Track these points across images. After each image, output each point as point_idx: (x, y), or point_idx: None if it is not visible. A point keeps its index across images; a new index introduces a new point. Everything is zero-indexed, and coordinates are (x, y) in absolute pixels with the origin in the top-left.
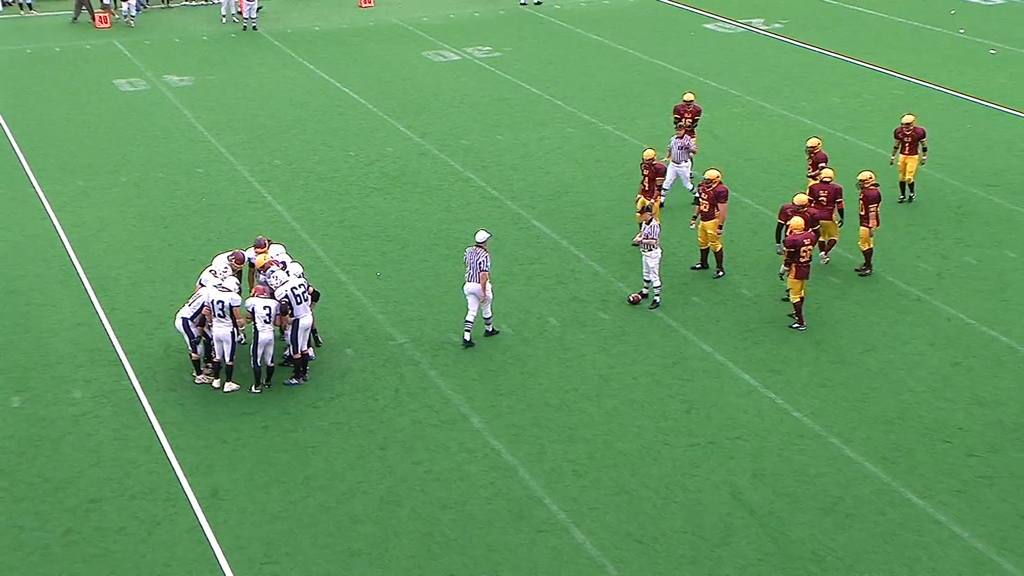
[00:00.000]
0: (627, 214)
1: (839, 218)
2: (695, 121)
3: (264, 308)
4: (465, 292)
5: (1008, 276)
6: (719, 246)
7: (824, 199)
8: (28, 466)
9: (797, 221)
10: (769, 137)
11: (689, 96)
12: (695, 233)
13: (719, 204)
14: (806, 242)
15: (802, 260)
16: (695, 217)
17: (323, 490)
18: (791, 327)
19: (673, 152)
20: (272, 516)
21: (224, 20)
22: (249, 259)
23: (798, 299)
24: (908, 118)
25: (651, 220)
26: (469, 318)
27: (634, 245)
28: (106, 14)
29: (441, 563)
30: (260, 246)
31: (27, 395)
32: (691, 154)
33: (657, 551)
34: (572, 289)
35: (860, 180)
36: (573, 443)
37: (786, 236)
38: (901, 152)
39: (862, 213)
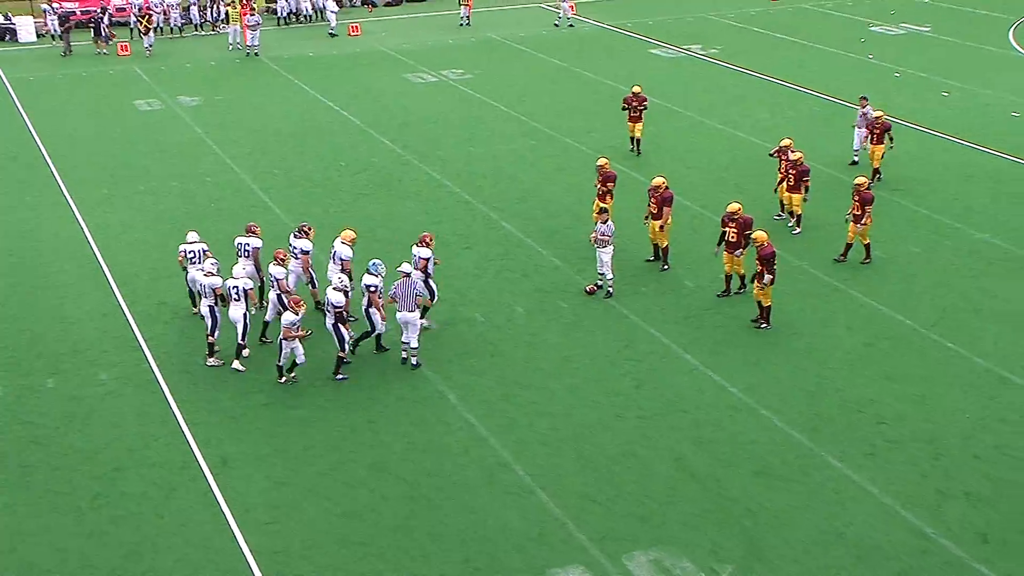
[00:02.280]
0: (585, 215)
1: (805, 195)
2: (643, 109)
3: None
4: (398, 320)
5: (912, 268)
6: (665, 243)
7: (793, 177)
8: (61, 439)
9: (760, 234)
10: (708, 148)
11: (636, 88)
12: (645, 231)
13: (664, 207)
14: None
15: (775, 268)
16: (646, 217)
17: (320, 459)
18: (760, 327)
19: None
20: (275, 482)
21: (230, 48)
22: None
23: (768, 302)
24: (876, 113)
25: (607, 220)
26: (405, 339)
27: (592, 243)
28: (128, 43)
29: (423, 521)
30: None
31: (60, 377)
32: None
33: (611, 510)
34: (536, 281)
35: (856, 184)
36: (538, 416)
37: (759, 251)
38: (870, 143)
39: (857, 213)
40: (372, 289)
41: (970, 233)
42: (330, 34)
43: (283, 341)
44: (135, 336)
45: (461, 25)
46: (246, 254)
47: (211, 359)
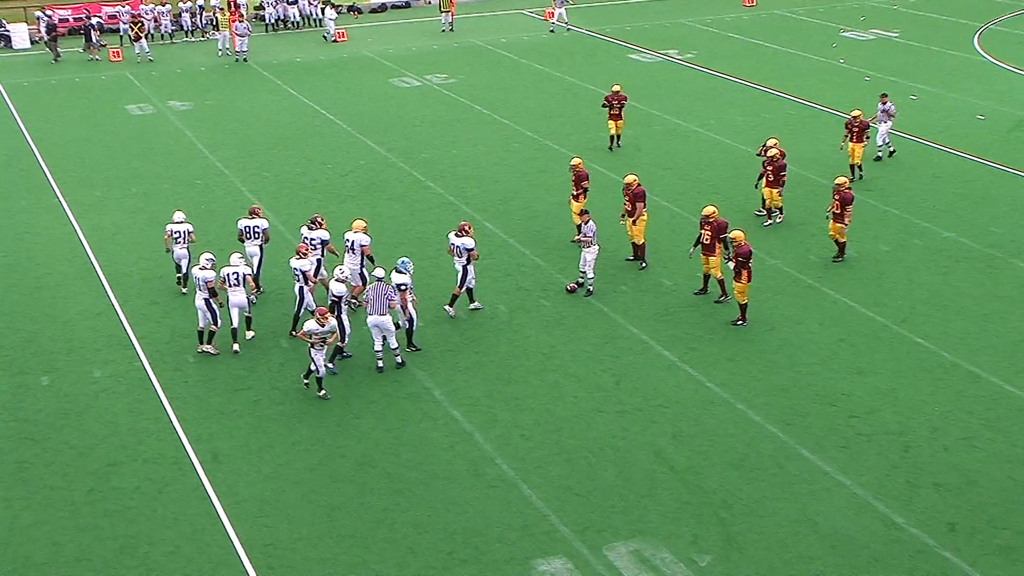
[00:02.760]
0: (565, 215)
1: (780, 188)
2: (622, 106)
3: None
4: (369, 324)
5: (882, 266)
6: (641, 240)
7: (771, 172)
8: (56, 435)
9: (738, 234)
10: (684, 150)
11: (616, 87)
12: (623, 230)
13: (638, 203)
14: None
15: (750, 267)
16: (623, 215)
17: (308, 454)
18: (735, 323)
19: None
20: (265, 476)
21: (219, 54)
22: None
23: (745, 300)
24: (856, 112)
25: (588, 221)
26: (377, 348)
27: (573, 242)
28: (120, 49)
29: (409, 515)
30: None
31: (54, 375)
32: None
33: (592, 502)
34: (518, 280)
35: (837, 184)
36: (520, 411)
37: (734, 249)
38: (850, 140)
39: (837, 212)
40: (403, 288)
41: (938, 232)
42: (333, 41)
43: (310, 349)
44: (127, 335)
45: (444, 31)
46: (253, 235)
47: (202, 347)
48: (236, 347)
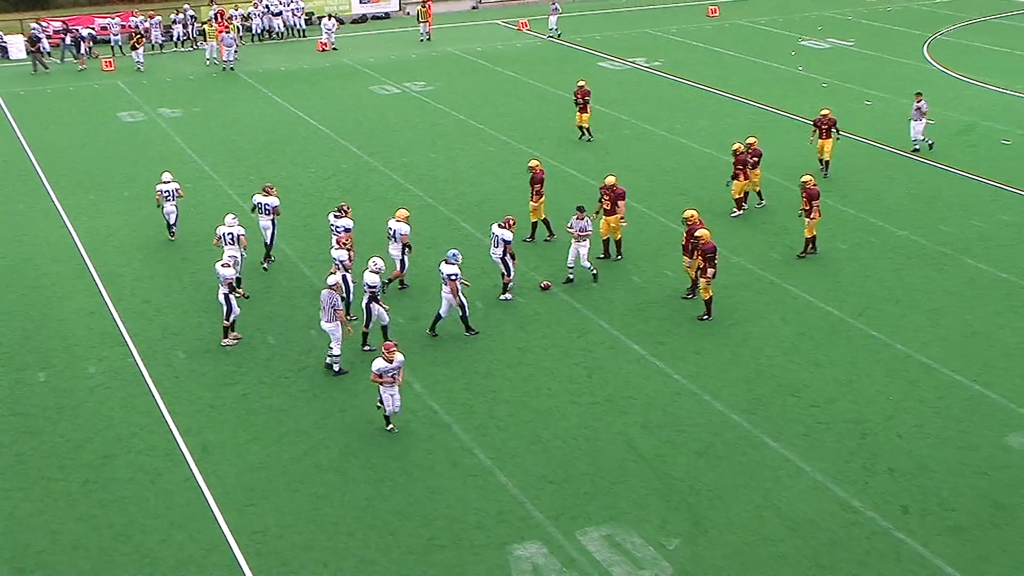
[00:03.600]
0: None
1: (743, 179)
2: (587, 100)
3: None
4: (323, 329)
5: (840, 263)
6: (619, 235)
7: (733, 166)
8: (53, 428)
9: (704, 232)
10: (651, 153)
11: (582, 82)
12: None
13: (619, 202)
14: (716, 250)
15: (716, 264)
16: (597, 212)
17: (293, 445)
18: (700, 318)
19: None
20: (252, 467)
21: (207, 63)
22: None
23: (707, 296)
24: (825, 111)
25: (583, 217)
26: (333, 348)
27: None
28: (112, 59)
29: (390, 503)
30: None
31: (51, 371)
32: None
33: (565, 490)
34: (494, 278)
35: (803, 182)
36: (496, 403)
37: (701, 247)
38: (819, 137)
39: (806, 208)
40: (453, 277)
41: (892, 230)
42: (334, 49)
43: (380, 387)
44: (121, 332)
45: (422, 40)
46: (266, 212)
47: (225, 340)
48: (242, 292)
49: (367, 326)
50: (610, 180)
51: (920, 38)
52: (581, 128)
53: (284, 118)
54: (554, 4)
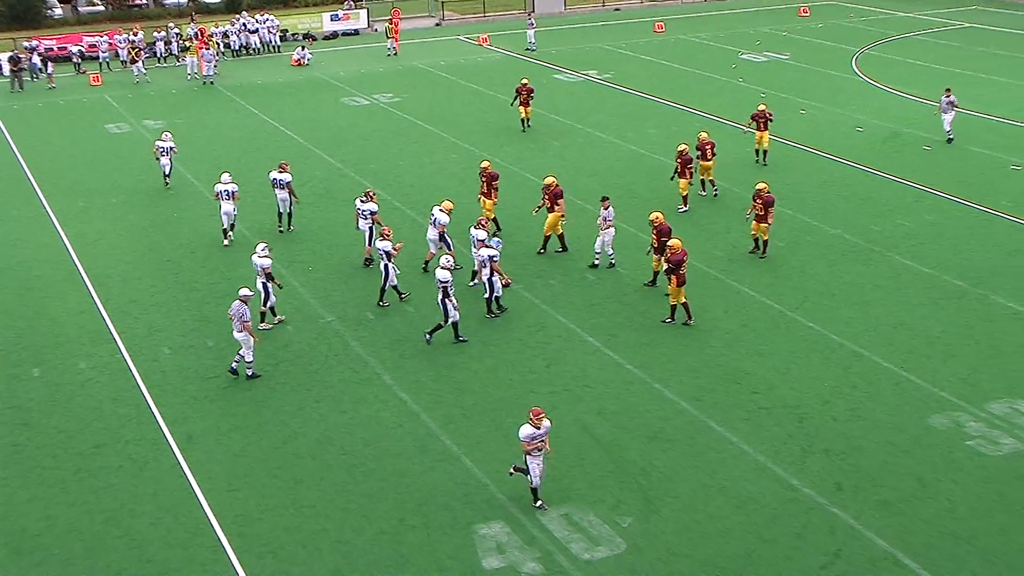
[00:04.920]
0: (500, 218)
1: (690, 179)
2: (530, 95)
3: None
4: (235, 338)
5: (779, 260)
6: (560, 231)
7: (679, 164)
8: (46, 420)
9: (675, 242)
10: (604, 159)
11: (525, 80)
12: (536, 224)
13: (558, 201)
14: (684, 259)
15: (682, 272)
16: (537, 209)
17: (272, 434)
18: (664, 321)
19: None
20: (234, 455)
21: (188, 77)
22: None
23: (676, 302)
24: (761, 107)
25: (608, 207)
26: (243, 353)
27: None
28: (99, 74)
29: (363, 487)
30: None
31: (44, 366)
32: None
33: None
34: (459, 276)
35: (758, 189)
36: (462, 393)
37: (668, 255)
38: (757, 129)
39: (760, 213)
40: (494, 259)
41: (826, 229)
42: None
43: (526, 456)
44: (109, 330)
45: (389, 55)
46: (281, 186)
47: (263, 324)
48: (226, 242)
49: (446, 321)
50: (549, 180)
51: (849, 52)
52: (523, 120)
53: (261, 128)
54: (530, 20)
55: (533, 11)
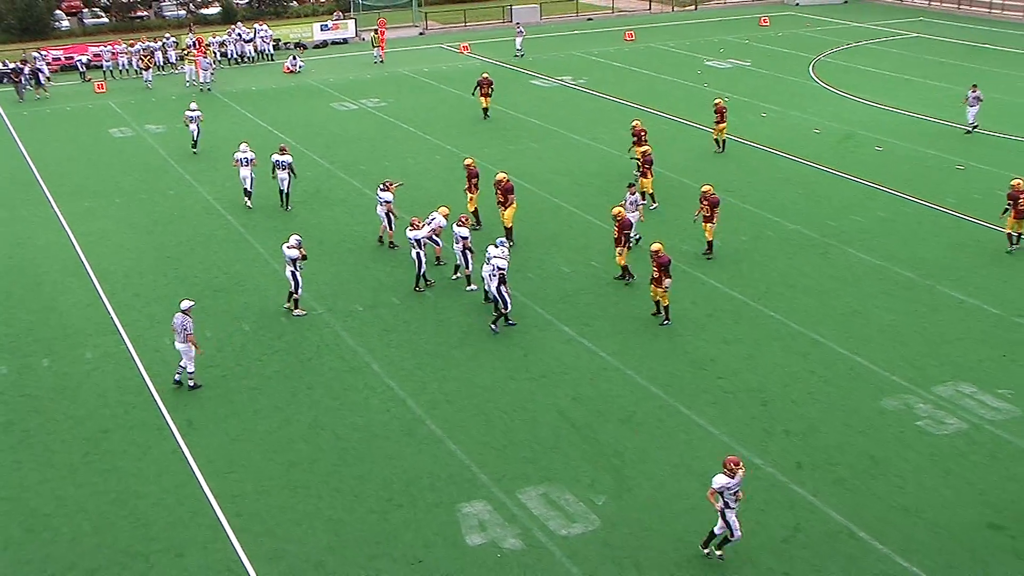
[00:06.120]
0: (483, 216)
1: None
2: (491, 87)
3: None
4: (177, 348)
5: (741, 254)
6: (510, 224)
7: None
8: (56, 407)
9: (657, 246)
10: (578, 159)
11: (485, 74)
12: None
13: (509, 195)
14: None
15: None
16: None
17: (267, 419)
18: (662, 324)
19: None
20: (232, 439)
21: (187, 84)
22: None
23: (668, 302)
24: (718, 100)
25: (635, 192)
26: (184, 364)
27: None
28: (104, 82)
29: (354, 469)
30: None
31: (53, 357)
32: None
33: (507, 455)
34: (443, 271)
35: (703, 191)
36: (445, 380)
37: (657, 259)
38: (716, 123)
39: (707, 214)
40: (503, 270)
41: (785, 224)
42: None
43: (724, 511)
44: (114, 322)
45: (375, 63)
46: (282, 167)
47: (296, 311)
48: (248, 203)
49: (506, 308)
50: (500, 176)
51: (806, 59)
52: (484, 110)
53: (256, 132)
54: (519, 28)
55: (520, 21)
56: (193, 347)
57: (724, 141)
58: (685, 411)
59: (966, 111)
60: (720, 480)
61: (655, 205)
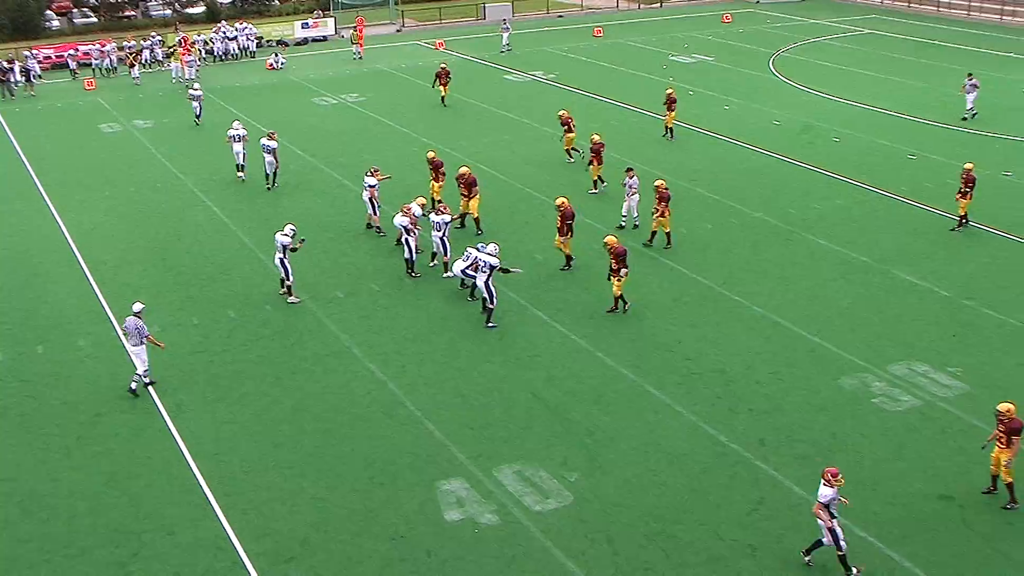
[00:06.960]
0: (455, 205)
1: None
2: (448, 79)
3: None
4: (129, 352)
5: (706, 240)
6: (476, 215)
7: (593, 154)
8: (50, 393)
9: (610, 238)
10: (549, 151)
11: (444, 64)
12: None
13: (472, 187)
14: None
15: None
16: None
17: (253, 403)
18: (612, 311)
19: None
20: (219, 422)
21: (174, 81)
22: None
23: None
24: (669, 90)
25: (633, 176)
26: (138, 369)
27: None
28: (94, 79)
29: (337, 449)
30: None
31: (47, 344)
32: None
33: (483, 435)
34: (421, 259)
35: (656, 186)
36: (424, 364)
37: (613, 250)
38: (666, 111)
39: (658, 208)
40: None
41: (748, 212)
42: (281, 68)
43: (824, 524)
44: (105, 311)
45: (355, 59)
46: (268, 151)
47: (291, 298)
48: (241, 176)
49: (492, 303)
50: (463, 170)
51: (766, 55)
52: (442, 98)
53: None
54: (505, 24)
55: (506, 18)
56: (145, 349)
57: (672, 129)
58: (654, 391)
59: (965, 98)
60: (827, 492)
61: (594, 191)
